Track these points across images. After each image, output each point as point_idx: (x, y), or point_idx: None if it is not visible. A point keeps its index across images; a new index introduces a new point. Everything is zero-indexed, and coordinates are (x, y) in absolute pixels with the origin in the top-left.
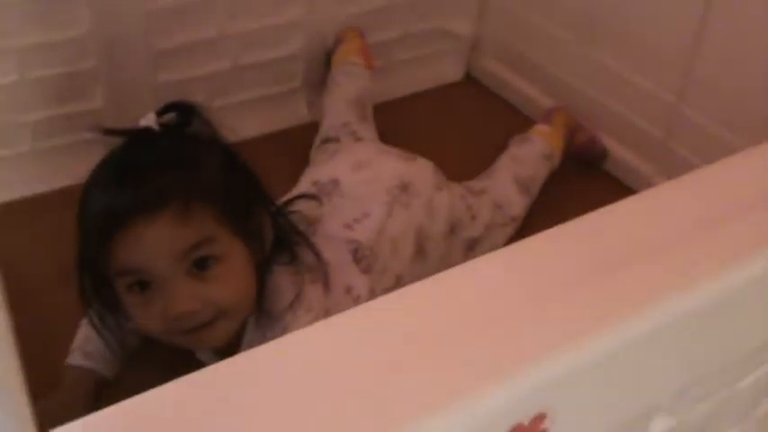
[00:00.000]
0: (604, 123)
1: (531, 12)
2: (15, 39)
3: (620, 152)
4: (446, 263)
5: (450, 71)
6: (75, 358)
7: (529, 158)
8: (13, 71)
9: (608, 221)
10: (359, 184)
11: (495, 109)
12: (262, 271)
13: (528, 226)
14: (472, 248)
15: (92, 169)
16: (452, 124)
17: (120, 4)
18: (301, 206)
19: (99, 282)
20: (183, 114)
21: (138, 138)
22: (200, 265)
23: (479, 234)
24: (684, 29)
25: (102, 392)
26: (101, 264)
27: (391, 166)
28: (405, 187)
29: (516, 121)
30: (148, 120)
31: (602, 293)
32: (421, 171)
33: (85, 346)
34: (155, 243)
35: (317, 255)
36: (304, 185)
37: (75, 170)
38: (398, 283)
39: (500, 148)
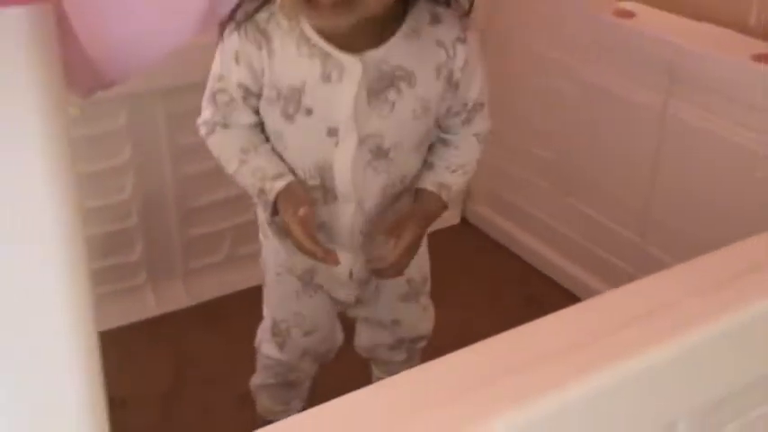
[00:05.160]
0: (577, 257)
1: (514, 166)
2: None
3: (593, 284)
4: None
5: (449, 216)
6: (280, 182)
7: None
8: None
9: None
10: None
11: (487, 248)
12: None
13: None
14: None
15: None
16: (450, 260)
17: (155, 172)
18: None
19: None
20: None
21: None
22: None
23: None
24: (639, 182)
25: None
26: None
27: None
28: None
29: (505, 257)
30: None
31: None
32: None
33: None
34: None
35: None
36: None
37: (115, 316)
38: None
39: (491, 281)
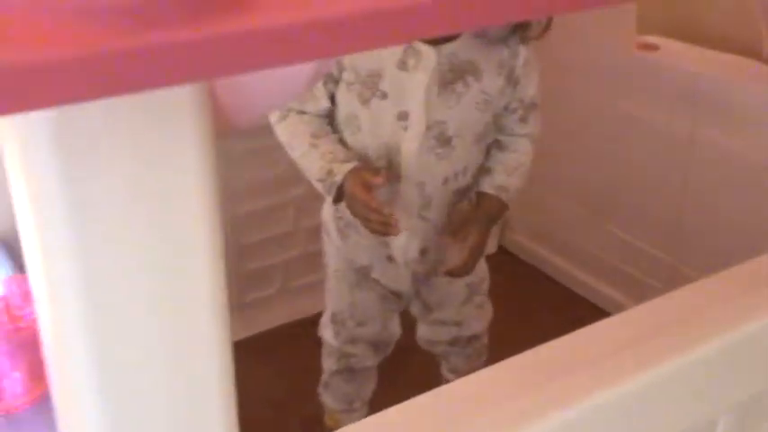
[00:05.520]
0: (613, 279)
1: (549, 194)
2: None
3: (628, 304)
4: None
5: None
6: (349, 164)
7: None
8: None
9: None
10: None
11: (526, 275)
12: None
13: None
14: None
15: None
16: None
17: None
18: None
19: None
20: None
21: None
22: None
23: None
24: (671, 205)
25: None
26: None
27: None
28: None
29: (544, 283)
30: None
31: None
32: None
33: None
34: None
35: None
36: None
37: None
38: None
39: (532, 307)
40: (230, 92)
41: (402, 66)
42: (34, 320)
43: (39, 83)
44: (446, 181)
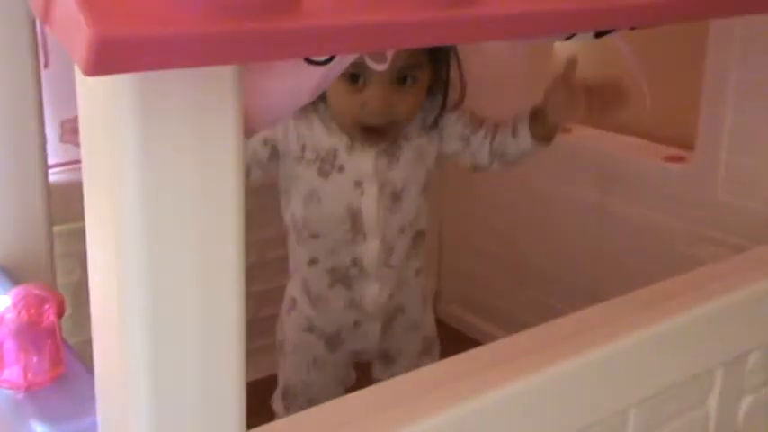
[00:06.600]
0: None
1: (479, 266)
2: None
3: None
4: None
5: None
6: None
7: None
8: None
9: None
10: None
11: (460, 343)
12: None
13: None
14: None
15: None
16: None
17: None
18: None
19: None
20: None
21: None
22: (402, 80)
23: None
24: (586, 267)
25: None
26: None
27: None
28: None
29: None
30: None
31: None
32: None
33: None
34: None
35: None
36: None
37: None
38: None
39: None
40: (251, 96)
41: (350, 148)
42: (51, 315)
43: (154, 50)
44: (402, 230)
